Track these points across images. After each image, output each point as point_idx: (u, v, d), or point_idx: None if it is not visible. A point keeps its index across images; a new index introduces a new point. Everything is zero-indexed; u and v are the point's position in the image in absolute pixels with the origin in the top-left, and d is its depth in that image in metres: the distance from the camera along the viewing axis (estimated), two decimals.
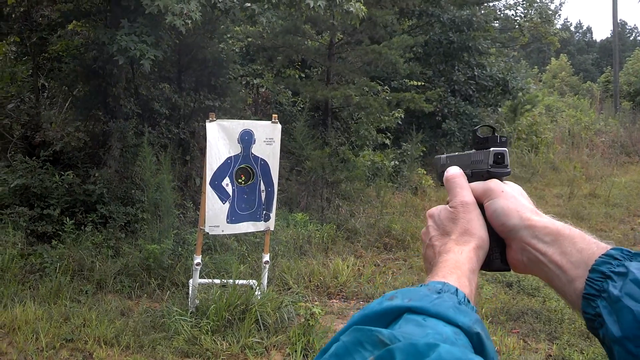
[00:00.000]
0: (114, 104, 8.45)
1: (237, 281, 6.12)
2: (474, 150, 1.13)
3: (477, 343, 0.73)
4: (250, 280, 6.42)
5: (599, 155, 19.94)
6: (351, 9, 7.77)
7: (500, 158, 1.09)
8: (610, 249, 0.85)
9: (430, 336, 0.68)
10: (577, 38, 67.63)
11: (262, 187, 6.11)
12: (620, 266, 0.81)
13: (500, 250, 1.02)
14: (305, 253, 7.85)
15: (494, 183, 1.04)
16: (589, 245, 0.88)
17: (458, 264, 0.93)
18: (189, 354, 5.15)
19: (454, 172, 1.08)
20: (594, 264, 0.84)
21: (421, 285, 0.84)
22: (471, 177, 1.10)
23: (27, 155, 8.05)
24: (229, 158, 5.91)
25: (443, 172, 1.13)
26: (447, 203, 1.06)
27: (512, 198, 1.00)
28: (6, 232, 6.87)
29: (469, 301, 0.82)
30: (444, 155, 1.26)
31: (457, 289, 0.82)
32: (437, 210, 1.06)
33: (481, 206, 1.03)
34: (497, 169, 1.08)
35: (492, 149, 1.09)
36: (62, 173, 7.66)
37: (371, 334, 0.68)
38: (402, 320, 0.74)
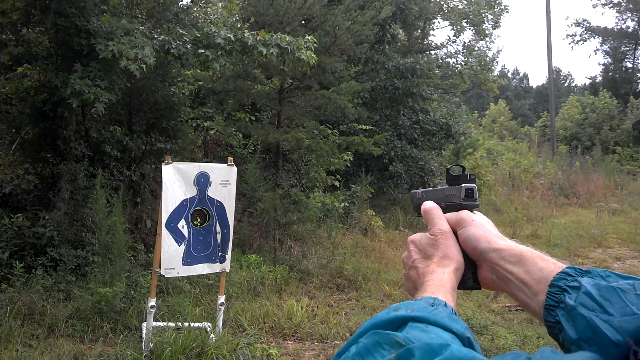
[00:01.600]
0: (64, 147, 8.39)
1: (191, 324, 6.11)
2: (447, 185, 1.32)
3: (468, 345, 0.88)
4: (205, 323, 6.41)
5: (538, 197, 20.69)
6: (302, 56, 8.02)
7: (470, 192, 1.29)
8: (566, 267, 1.03)
9: (434, 339, 0.82)
10: (514, 84, 70.23)
11: (218, 228, 6.17)
12: (574, 281, 0.98)
13: (472, 271, 1.19)
14: (259, 294, 7.88)
15: (465, 214, 1.22)
16: (547, 264, 1.05)
17: (442, 282, 1.09)
18: None
19: (430, 205, 1.27)
20: (552, 280, 1.01)
21: (417, 300, 0.99)
22: (445, 209, 1.28)
23: None
24: (185, 200, 5.97)
25: (420, 205, 1.33)
26: (428, 231, 1.22)
27: (481, 226, 1.19)
28: None
29: (455, 313, 0.97)
30: (420, 190, 1.44)
31: (446, 303, 0.99)
32: (418, 237, 1.24)
33: (455, 233, 1.19)
34: (468, 202, 1.27)
35: (463, 185, 1.29)
36: (12, 215, 7.52)
37: (388, 337, 0.83)
38: (408, 327, 0.89)
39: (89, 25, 7.26)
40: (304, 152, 11.46)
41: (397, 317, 0.92)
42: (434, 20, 20.61)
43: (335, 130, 12.50)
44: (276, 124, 11.26)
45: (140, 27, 7.93)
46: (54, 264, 7.31)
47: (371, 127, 13.66)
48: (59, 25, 7.29)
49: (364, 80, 13.17)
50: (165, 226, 5.81)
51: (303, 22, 11.57)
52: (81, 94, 6.73)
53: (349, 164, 12.41)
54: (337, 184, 12.66)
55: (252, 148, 11.85)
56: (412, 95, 15.09)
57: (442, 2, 20.27)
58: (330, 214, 11.04)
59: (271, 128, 10.93)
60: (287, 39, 8.00)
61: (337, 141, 11.51)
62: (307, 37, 8.50)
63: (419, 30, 19.29)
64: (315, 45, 8.61)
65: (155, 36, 7.73)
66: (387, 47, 15.51)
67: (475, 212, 1.27)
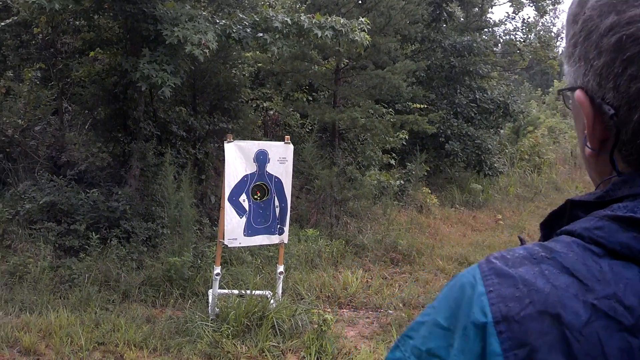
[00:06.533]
0: (133, 127, 8.95)
1: (253, 291, 6.56)
2: None
3: None
4: (266, 291, 6.85)
5: None
6: (356, 38, 8.28)
7: None
8: None
9: None
10: None
11: (276, 202, 6.58)
12: None
13: None
14: (316, 266, 8.28)
15: None
16: None
17: None
18: (212, 356, 5.58)
19: None
20: None
21: None
22: None
23: (53, 174, 8.55)
24: (246, 176, 6.38)
25: None
26: None
27: None
28: (37, 246, 7.36)
29: None
30: None
31: None
32: None
33: None
34: None
35: None
36: (87, 191, 8.14)
37: None
38: None
39: (155, 11, 7.71)
40: (360, 131, 11.75)
41: None
42: None
43: (390, 110, 12.72)
44: (332, 104, 11.58)
45: (203, 12, 8.37)
46: (127, 235, 7.89)
47: (427, 106, 13.79)
48: (127, 12, 7.77)
49: (420, 59, 13.30)
50: (228, 200, 6.25)
51: (359, 2, 11.79)
52: (149, 77, 7.21)
53: (404, 143, 12.62)
54: (392, 162, 12.91)
55: (310, 127, 12.21)
56: (469, 73, 15.10)
57: None
58: (385, 191, 11.32)
59: (327, 108, 11.25)
60: (342, 22, 8.26)
61: (392, 120, 11.73)
62: (361, 19, 8.74)
63: (477, 8, 19.14)
64: (369, 26, 8.85)
65: (217, 21, 8.14)
66: (444, 25, 15.53)
67: None
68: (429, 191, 12.97)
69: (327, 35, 7.89)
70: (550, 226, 0.85)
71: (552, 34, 22.47)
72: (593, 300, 0.67)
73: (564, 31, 0.85)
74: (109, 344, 5.66)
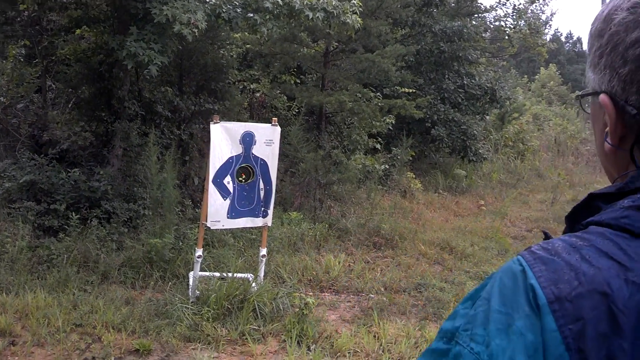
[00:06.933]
0: (118, 106, 8.84)
1: (235, 274, 6.53)
2: None
3: None
4: (247, 274, 6.82)
5: (584, 163, 20.49)
6: (347, 20, 8.21)
7: None
8: None
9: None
10: (567, 48, 68.40)
11: (261, 185, 6.52)
12: None
13: None
14: (299, 250, 8.26)
15: None
16: None
17: None
18: (192, 339, 5.54)
19: None
20: None
21: None
22: None
23: (34, 152, 8.43)
24: (231, 158, 6.32)
25: None
26: None
27: None
28: (15, 226, 7.25)
29: None
30: None
31: None
32: None
33: None
34: None
35: None
36: (69, 170, 8.04)
37: None
38: None
39: None
40: (347, 114, 11.70)
41: None
42: None
43: (378, 94, 12.67)
44: (320, 87, 11.51)
45: None
46: (108, 216, 7.81)
47: (415, 91, 13.75)
48: None
49: (409, 44, 13.23)
50: (212, 181, 6.19)
51: None
52: (136, 56, 7.10)
53: (390, 127, 12.60)
54: (378, 146, 12.89)
55: (296, 110, 12.14)
56: (458, 59, 15.07)
57: None
58: (370, 175, 11.31)
59: (315, 91, 11.18)
60: (333, 3, 8.17)
61: (380, 104, 11.69)
62: (353, 1, 8.65)
63: None
64: (360, 9, 8.76)
65: (207, 0, 8.01)
66: (435, 10, 15.44)
67: None
68: (414, 176, 12.97)
69: (318, 17, 7.80)
70: (574, 219, 0.96)
71: (541, 21, 22.38)
72: (633, 278, 0.78)
73: (588, 44, 0.99)
74: (87, 326, 5.60)
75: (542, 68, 46.03)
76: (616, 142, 0.92)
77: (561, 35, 71.93)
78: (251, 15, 7.91)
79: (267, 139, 6.50)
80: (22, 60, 9.55)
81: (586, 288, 0.78)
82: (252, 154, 6.43)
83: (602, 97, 0.92)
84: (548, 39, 31.60)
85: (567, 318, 0.77)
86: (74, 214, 7.46)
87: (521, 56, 33.96)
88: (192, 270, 6.59)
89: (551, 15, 51.51)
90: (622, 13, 0.90)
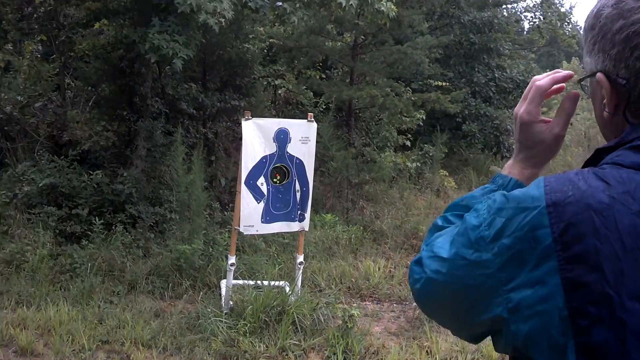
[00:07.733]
0: (140, 104, 8.38)
1: (270, 282, 6.04)
2: None
3: None
4: (283, 282, 6.33)
5: None
6: (382, 8, 7.67)
7: None
8: None
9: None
10: None
11: (297, 186, 6.03)
12: None
13: None
14: (334, 254, 7.75)
15: None
16: None
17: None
18: (227, 356, 5.07)
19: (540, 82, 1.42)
20: None
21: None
22: None
23: (54, 154, 8.00)
24: (264, 157, 5.83)
25: None
26: None
27: None
28: (35, 232, 6.82)
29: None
30: None
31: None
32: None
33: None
34: None
35: None
36: (90, 172, 7.60)
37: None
38: None
39: None
40: (377, 110, 11.17)
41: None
42: None
43: (407, 88, 12.13)
44: (349, 81, 10.99)
45: None
46: (133, 220, 7.36)
47: (446, 84, 13.18)
48: None
49: (437, 36, 12.68)
50: (245, 183, 5.71)
51: None
52: (159, 49, 6.62)
53: (420, 123, 12.06)
54: (408, 143, 12.34)
55: (323, 106, 11.65)
56: (489, 51, 14.47)
57: None
58: (401, 174, 10.79)
59: (343, 85, 10.67)
60: None
61: (413, 99, 11.14)
62: None
63: None
64: None
65: None
66: (463, 0, 14.85)
67: None
68: (446, 174, 12.41)
69: (352, 4, 7.27)
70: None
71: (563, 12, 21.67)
72: (614, 194, 0.98)
73: (583, 36, 1.18)
74: (114, 343, 5.13)
75: (564, 62, 45.27)
76: (612, 110, 1.10)
77: (580, 28, 70.86)
78: (280, 3, 7.41)
79: (303, 136, 6.00)
80: (38, 56, 9.12)
81: (575, 198, 0.98)
82: (287, 152, 5.93)
83: (599, 75, 1.10)
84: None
85: (557, 219, 0.97)
86: (97, 219, 7.04)
87: (541, 50, 33.27)
88: (224, 278, 6.12)
89: (571, 7, 50.56)
90: (608, 9, 1.09)
